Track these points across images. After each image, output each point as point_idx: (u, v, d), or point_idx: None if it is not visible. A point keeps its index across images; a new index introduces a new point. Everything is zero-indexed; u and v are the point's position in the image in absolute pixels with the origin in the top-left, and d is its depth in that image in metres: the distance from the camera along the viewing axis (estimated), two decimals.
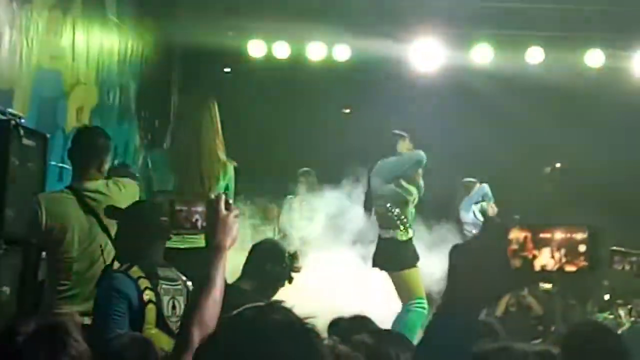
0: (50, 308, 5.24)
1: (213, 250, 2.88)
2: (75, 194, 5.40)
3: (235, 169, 5.94)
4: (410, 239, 7.89)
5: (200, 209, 2.99)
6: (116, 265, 4.73)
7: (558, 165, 14.61)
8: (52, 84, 8.09)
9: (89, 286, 5.22)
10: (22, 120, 6.22)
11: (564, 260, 2.05)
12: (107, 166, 5.67)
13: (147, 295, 4.39)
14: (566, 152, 12.92)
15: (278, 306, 2.13)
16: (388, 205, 7.77)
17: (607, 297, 10.92)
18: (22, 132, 6.03)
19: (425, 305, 7.65)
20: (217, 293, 2.82)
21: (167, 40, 11.16)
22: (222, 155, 5.89)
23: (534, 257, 2.05)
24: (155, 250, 4.64)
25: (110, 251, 5.24)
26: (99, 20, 9.17)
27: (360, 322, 4.48)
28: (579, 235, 2.04)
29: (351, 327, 4.29)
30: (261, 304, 2.30)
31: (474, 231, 10.74)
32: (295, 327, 2.01)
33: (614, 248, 5.90)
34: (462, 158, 11.74)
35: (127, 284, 4.37)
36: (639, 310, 9.43)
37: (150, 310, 4.37)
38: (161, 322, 4.40)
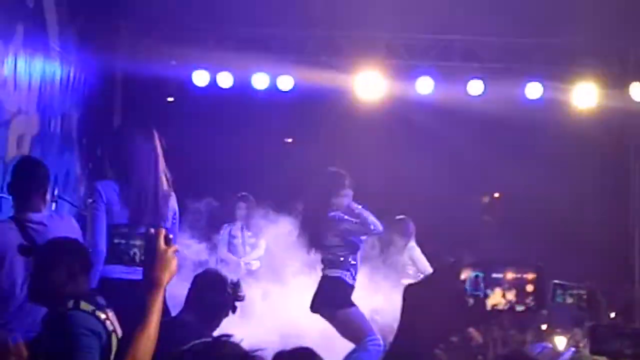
0: None
1: (150, 285, 2.86)
2: (18, 224, 5.33)
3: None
4: (354, 286, 7.78)
5: (138, 242, 2.96)
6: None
7: (496, 195, 14.80)
8: None
9: (28, 318, 5.14)
10: None
11: (514, 300, 2.10)
12: (49, 196, 5.62)
13: (109, 325, 4.36)
14: (505, 182, 13.08)
15: (226, 340, 2.13)
16: (339, 253, 7.72)
17: (544, 327, 11.03)
18: None
19: (381, 342, 7.46)
20: (151, 328, 2.80)
21: (110, 68, 11.09)
22: (165, 186, 5.87)
23: (486, 296, 2.09)
24: (87, 282, 4.62)
25: None
26: (41, 48, 9.08)
27: (303, 356, 4.48)
28: (528, 275, 2.09)
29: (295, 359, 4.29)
30: (209, 339, 2.30)
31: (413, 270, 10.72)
32: None
33: (556, 281, 5.97)
34: (402, 188, 11.83)
35: (91, 320, 4.32)
36: (577, 339, 9.52)
37: (114, 341, 4.34)
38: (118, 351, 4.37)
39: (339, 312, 7.58)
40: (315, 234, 7.79)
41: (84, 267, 4.57)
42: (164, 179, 5.85)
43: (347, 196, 7.78)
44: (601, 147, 12.10)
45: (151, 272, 2.85)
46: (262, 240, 10.35)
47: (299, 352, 4.61)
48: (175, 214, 5.87)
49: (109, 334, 4.32)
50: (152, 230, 2.92)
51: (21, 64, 8.50)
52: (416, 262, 10.51)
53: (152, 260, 2.85)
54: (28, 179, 5.48)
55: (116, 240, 2.97)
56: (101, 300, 4.56)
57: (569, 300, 5.95)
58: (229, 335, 2.21)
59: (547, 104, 11.69)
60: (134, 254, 2.93)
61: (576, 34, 10.99)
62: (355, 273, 7.78)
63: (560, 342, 9.55)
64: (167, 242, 2.87)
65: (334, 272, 7.71)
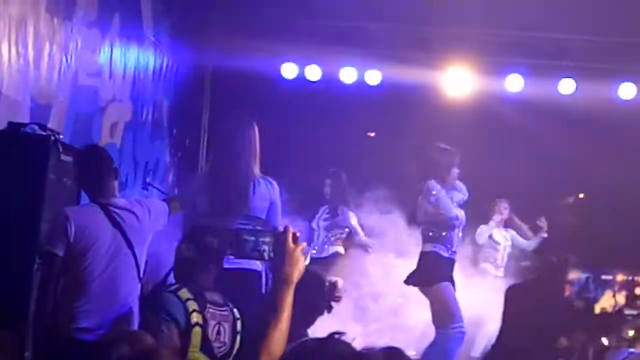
0: (64, 322, 5.20)
1: (281, 283, 2.91)
2: (103, 209, 5.38)
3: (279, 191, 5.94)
4: (452, 258, 7.79)
5: (268, 239, 2.99)
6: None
7: (581, 195, 14.55)
8: (88, 100, 8.14)
9: (105, 301, 5.23)
10: (61, 136, 6.27)
11: (624, 302, 2.06)
12: (118, 173, 5.61)
13: (195, 318, 4.39)
14: (594, 183, 12.86)
15: (339, 338, 2.13)
16: (433, 228, 7.73)
17: (631, 332, 10.81)
18: (60, 148, 6.07)
19: (464, 329, 7.53)
20: (284, 325, 2.86)
21: (201, 60, 11.23)
22: (257, 173, 5.88)
23: (596, 299, 2.05)
24: (206, 274, 4.65)
25: (132, 267, 5.24)
26: (135, 38, 9.23)
27: (394, 356, 4.49)
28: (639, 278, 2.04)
29: None
30: (322, 336, 2.30)
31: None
32: (357, 359, 2.02)
33: None
34: (489, 186, 11.71)
35: (176, 305, 4.38)
36: None
37: (196, 333, 4.37)
38: (206, 346, 4.40)
39: (431, 288, 7.56)
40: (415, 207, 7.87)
41: (216, 257, 4.62)
42: (255, 166, 5.85)
43: (454, 173, 7.98)
44: None
45: (282, 269, 2.90)
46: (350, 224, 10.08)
47: (390, 352, 4.62)
48: (273, 204, 5.86)
49: (190, 325, 4.36)
50: (281, 229, 2.96)
51: (116, 52, 8.65)
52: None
53: (282, 258, 2.89)
54: (101, 165, 5.48)
55: (246, 237, 3.00)
56: (212, 295, 4.58)
57: None
58: (341, 333, 2.21)
59: (639, 104, 11.47)
60: (264, 250, 2.97)
61: None
62: (451, 246, 7.75)
63: None
64: (295, 240, 2.91)
65: (428, 247, 7.73)
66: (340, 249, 10.01)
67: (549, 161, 12.25)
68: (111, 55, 8.51)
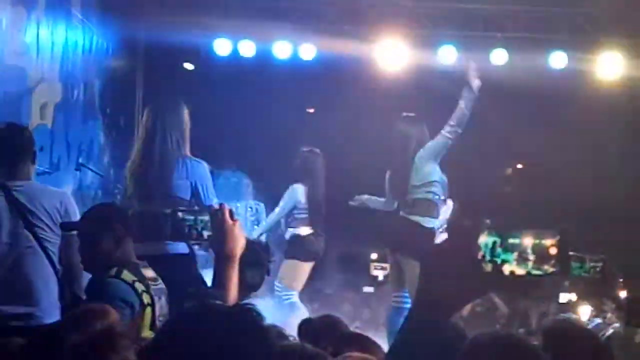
0: None
1: (225, 260, 2.85)
2: (4, 191, 5.18)
3: (212, 171, 5.92)
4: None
5: (206, 218, 2.93)
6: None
7: (519, 166, 14.73)
8: (15, 81, 7.98)
9: (14, 287, 5.07)
10: None
11: (532, 265, 2.06)
12: (36, 157, 5.43)
13: (146, 298, 4.34)
14: (528, 153, 13.00)
15: (248, 308, 2.10)
16: (437, 194, 7.69)
17: (574, 297, 10.99)
18: None
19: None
20: (231, 301, 2.81)
21: (132, 36, 11.06)
22: (184, 153, 5.87)
23: (503, 262, 2.05)
24: (131, 251, 4.59)
25: (36, 252, 5.11)
26: (63, 16, 9.05)
27: (330, 322, 4.52)
28: (549, 240, 2.04)
29: (321, 327, 4.33)
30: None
31: None
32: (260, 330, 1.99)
33: (571, 253, 5.90)
34: None
35: (127, 290, 4.31)
36: (604, 309, 9.47)
37: (148, 313, 4.32)
38: (154, 323, 4.36)
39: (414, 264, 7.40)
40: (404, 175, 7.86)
41: (129, 231, 4.56)
42: (183, 146, 5.84)
43: None
44: (625, 117, 11.99)
45: (224, 247, 2.84)
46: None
47: (326, 319, 4.65)
48: (198, 181, 5.84)
49: (143, 307, 4.31)
50: (217, 206, 2.91)
51: (43, 31, 8.48)
52: None
53: (222, 235, 2.84)
54: (12, 146, 5.31)
55: (181, 216, 2.94)
56: (147, 271, 4.54)
57: (584, 273, 5.90)
58: (251, 304, 2.18)
59: (571, 74, 11.56)
60: (202, 229, 2.91)
61: (601, 3, 10.86)
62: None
63: (584, 312, 9.53)
64: (232, 217, 2.86)
65: (428, 222, 7.65)
66: (302, 230, 9.13)
67: (482, 132, 12.33)
68: (38, 33, 8.33)
